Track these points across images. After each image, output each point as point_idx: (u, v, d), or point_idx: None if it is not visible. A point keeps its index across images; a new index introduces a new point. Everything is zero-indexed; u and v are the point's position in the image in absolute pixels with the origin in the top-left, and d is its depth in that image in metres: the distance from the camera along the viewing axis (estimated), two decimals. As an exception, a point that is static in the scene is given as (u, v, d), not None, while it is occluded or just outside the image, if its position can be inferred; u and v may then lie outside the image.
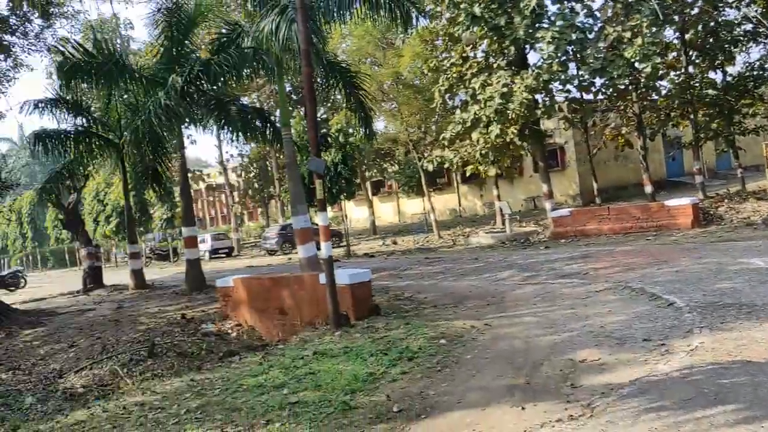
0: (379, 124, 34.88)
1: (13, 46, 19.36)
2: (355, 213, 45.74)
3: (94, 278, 22.47)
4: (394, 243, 26.79)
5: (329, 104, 33.33)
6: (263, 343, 9.31)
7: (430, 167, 24.05)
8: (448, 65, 21.93)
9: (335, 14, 13.52)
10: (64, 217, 23.72)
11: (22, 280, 28.87)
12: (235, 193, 48.38)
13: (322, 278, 8.54)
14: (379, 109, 27.57)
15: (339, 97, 22.08)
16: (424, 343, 6.88)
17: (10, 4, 17.83)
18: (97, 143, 19.26)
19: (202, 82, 14.24)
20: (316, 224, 8.98)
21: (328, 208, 39.67)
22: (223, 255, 36.79)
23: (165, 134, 14.63)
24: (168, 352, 9.58)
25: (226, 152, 42.35)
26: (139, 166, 18.82)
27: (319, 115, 35.89)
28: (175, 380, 7.06)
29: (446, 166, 24.22)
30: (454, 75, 21.58)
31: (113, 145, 19.38)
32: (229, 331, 10.51)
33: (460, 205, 38.18)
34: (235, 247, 38.88)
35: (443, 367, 6.00)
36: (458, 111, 21.73)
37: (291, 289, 9.51)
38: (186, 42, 17.07)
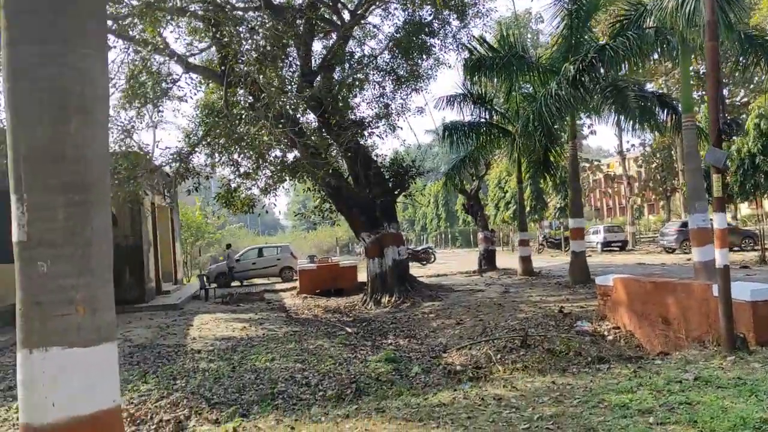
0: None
1: (433, 47, 21.65)
2: (780, 211, 38.84)
3: (488, 260, 24.01)
4: (833, 252, 21.77)
5: (751, 85, 28.80)
6: (638, 354, 8.44)
7: None
8: None
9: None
10: (466, 202, 25.84)
11: (432, 256, 32.53)
12: (635, 185, 46.01)
13: (716, 290, 7.28)
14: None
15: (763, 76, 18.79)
16: None
17: (432, 11, 20.01)
18: (495, 134, 20.36)
19: (597, 68, 13.62)
20: (728, 224, 7.65)
21: (743, 205, 34.55)
22: (616, 248, 35.36)
23: (555, 123, 14.50)
24: (539, 346, 9.48)
25: (627, 141, 40.45)
26: (532, 155, 19.23)
27: (738, 98, 31.38)
28: (537, 378, 6.86)
29: None
30: None
31: (510, 135, 20.21)
32: (605, 333, 9.87)
33: None
34: (630, 240, 37.00)
35: None
36: None
37: (676, 296, 8.39)
38: (584, 29, 16.66)
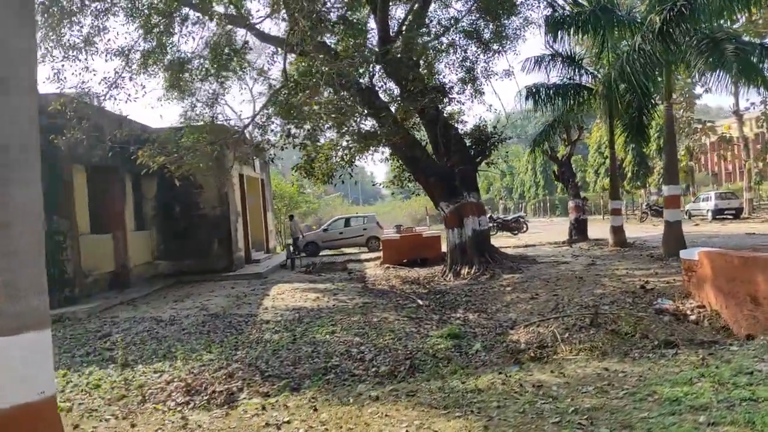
0: None
1: (519, 6, 20.40)
2: None
3: (578, 230, 22.87)
4: None
5: None
6: (713, 338, 7.55)
7: None
8: None
9: None
10: (557, 169, 24.62)
11: (524, 225, 31.44)
12: (757, 146, 42.32)
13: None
14: None
15: None
16: None
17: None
18: (584, 96, 19.09)
19: (686, 19, 12.20)
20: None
21: None
22: (729, 216, 32.69)
23: (643, 82, 13.18)
24: (610, 325, 8.75)
25: (747, 100, 37.03)
26: (624, 117, 17.84)
27: None
28: (590, 364, 6.27)
29: None
30: None
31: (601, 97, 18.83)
32: (688, 312, 8.95)
33: None
34: (746, 208, 34.08)
35: None
36: None
37: (765, 273, 7.41)
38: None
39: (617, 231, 19.64)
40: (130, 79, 13.77)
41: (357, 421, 5.01)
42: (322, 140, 17.64)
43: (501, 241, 25.73)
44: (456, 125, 18.70)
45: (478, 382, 5.90)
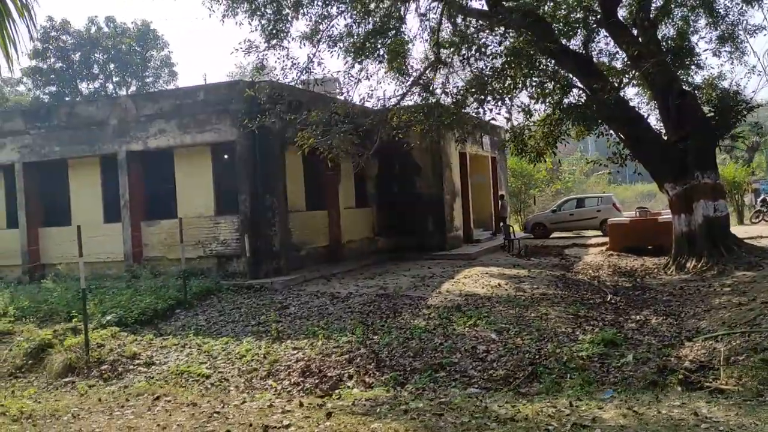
0: None
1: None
2: None
3: None
4: None
5: None
6: None
7: None
8: None
9: None
10: None
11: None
12: None
13: None
14: None
15: None
16: None
17: None
18: None
19: None
20: None
21: None
22: None
23: None
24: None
25: None
26: None
27: None
28: (691, 404, 4.75)
29: None
30: None
31: None
32: None
33: None
34: None
35: None
36: None
37: None
38: None
39: None
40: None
41: (348, 436, 4.50)
42: (536, 116, 16.44)
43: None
44: (694, 92, 16.00)
45: (525, 408, 4.89)
